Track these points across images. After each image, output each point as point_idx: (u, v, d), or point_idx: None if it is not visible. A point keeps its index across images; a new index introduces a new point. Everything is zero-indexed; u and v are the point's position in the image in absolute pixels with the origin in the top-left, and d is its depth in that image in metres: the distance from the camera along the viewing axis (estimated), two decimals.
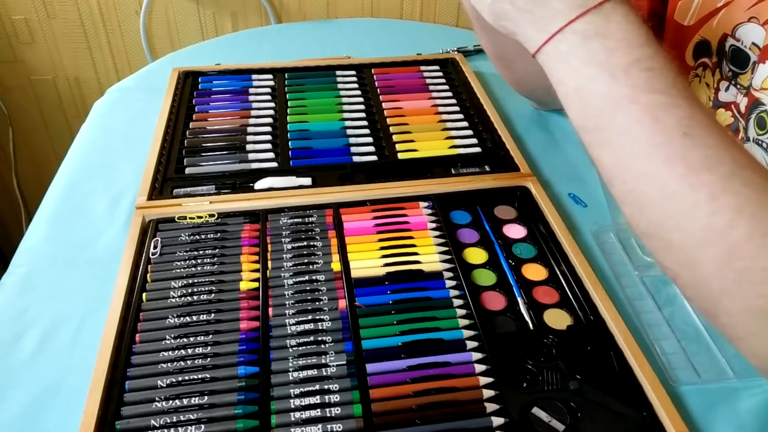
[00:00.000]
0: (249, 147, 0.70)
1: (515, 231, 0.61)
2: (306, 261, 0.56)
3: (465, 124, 0.76)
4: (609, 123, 0.37)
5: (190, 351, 0.48)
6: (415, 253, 0.57)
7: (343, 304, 0.52)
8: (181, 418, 0.44)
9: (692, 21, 0.58)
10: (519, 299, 0.54)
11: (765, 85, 0.50)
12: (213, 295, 0.53)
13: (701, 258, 0.35)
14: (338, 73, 0.84)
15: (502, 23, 0.42)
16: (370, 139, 0.72)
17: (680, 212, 0.35)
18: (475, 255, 0.58)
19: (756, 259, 0.33)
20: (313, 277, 0.54)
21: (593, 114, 0.38)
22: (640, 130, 0.36)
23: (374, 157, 0.70)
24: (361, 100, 0.79)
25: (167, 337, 0.49)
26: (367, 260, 0.57)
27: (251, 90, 0.80)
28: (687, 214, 0.35)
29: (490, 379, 0.47)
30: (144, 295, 0.53)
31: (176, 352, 0.48)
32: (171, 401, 0.45)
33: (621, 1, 0.38)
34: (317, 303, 0.52)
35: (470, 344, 0.49)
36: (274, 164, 0.68)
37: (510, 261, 0.57)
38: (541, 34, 0.39)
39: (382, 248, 0.58)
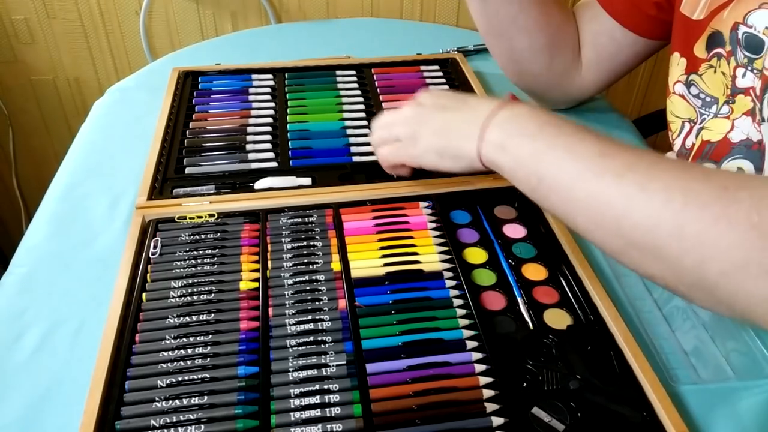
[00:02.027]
0: (249, 147, 0.70)
1: (515, 231, 0.61)
2: (306, 261, 0.56)
3: None
4: (542, 176, 0.46)
5: (190, 351, 0.48)
6: (415, 253, 0.57)
7: (343, 304, 0.52)
8: (181, 418, 0.44)
9: (702, 15, 0.58)
10: (519, 299, 0.54)
11: None
12: (213, 295, 0.53)
13: (661, 242, 0.39)
14: (338, 73, 0.84)
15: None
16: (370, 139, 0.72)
17: (625, 211, 0.40)
18: (475, 255, 0.58)
19: (700, 221, 0.37)
20: (313, 277, 0.54)
21: (532, 180, 0.47)
22: (567, 165, 0.44)
23: (374, 157, 0.69)
24: (361, 100, 0.79)
25: (167, 337, 0.49)
26: (367, 260, 0.57)
27: (251, 90, 0.80)
28: (629, 209, 0.40)
29: (490, 379, 0.47)
30: (144, 295, 0.53)
31: (176, 352, 0.48)
32: (171, 401, 0.45)
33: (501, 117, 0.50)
34: (317, 303, 0.52)
35: (470, 344, 0.49)
36: (274, 164, 0.68)
37: (510, 261, 0.57)
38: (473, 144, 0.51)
39: (382, 248, 0.58)
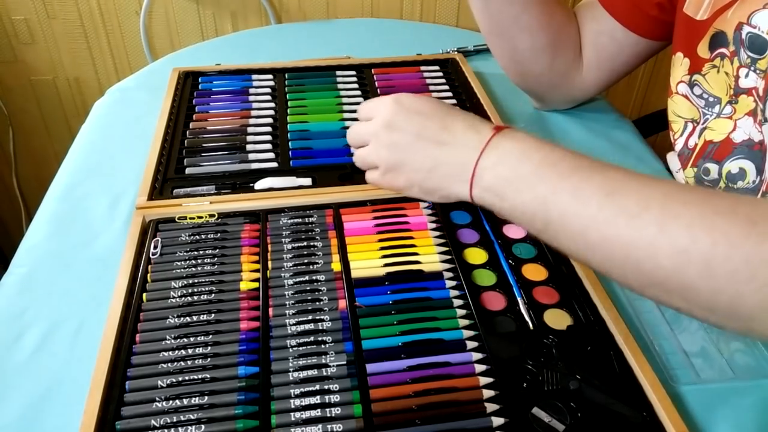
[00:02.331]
0: (249, 147, 0.70)
1: (515, 231, 0.61)
2: (306, 261, 0.56)
3: None
4: (548, 221, 0.43)
5: (190, 351, 0.48)
6: (415, 253, 0.57)
7: (343, 304, 0.52)
8: (181, 418, 0.44)
9: (706, 15, 0.58)
10: (519, 299, 0.54)
11: None
12: (213, 295, 0.53)
13: (689, 282, 0.37)
14: (338, 73, 0.84)
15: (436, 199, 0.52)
16: None
17: (647, 254, 0.38)
18: (475, 255, 0.58)
19: (731, 260, 0.35)
20: (313, 277, 0.55)
21: (537, 224, 0.45)
22: (575, 210, 0.41)
23: None
24: (361, 100, 0.79)
25: (167, 337, 0.49)
26: (367, 260, 0.57)
27: (251, 90, 0.80)
28: (651, 252, 0.38)
29: (490, 379, 0.47)
30: (144, 295, 0.53)
31: (176, 352, 0.48)
32: (171, 401, 0.45)
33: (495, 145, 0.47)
34: (317, 303, 0.52)
35: (470, 344, 0.50)
36: (274, 164, 0.68)
37: (510, 261, 0.57)
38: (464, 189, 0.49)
39: (382, 248, 0.58)
